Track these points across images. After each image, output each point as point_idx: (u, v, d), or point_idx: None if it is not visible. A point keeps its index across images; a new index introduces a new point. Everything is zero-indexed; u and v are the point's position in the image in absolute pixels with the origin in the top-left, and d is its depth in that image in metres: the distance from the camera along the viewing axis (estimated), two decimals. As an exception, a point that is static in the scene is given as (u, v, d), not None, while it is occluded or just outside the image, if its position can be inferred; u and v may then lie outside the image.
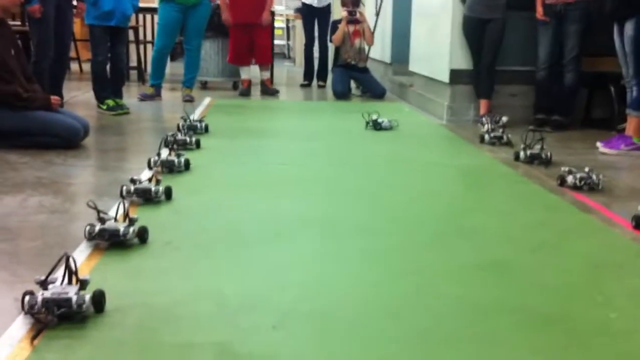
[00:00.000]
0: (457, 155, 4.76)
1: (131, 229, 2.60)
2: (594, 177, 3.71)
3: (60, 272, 2.04)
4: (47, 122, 4.35)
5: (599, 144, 4.90)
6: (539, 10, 5.61)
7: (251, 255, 2.57)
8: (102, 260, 2.46)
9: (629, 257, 2.71)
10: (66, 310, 1.94)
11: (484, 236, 2.91)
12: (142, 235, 2.64)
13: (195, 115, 5.53)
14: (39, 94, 4.48)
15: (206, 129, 5.04)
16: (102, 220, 2.59)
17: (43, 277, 1.99)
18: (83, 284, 2.03)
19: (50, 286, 1.99)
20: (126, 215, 2.65)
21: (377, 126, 5.46)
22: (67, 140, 4.36)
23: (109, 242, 2.58)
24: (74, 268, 2.03)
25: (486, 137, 5.02)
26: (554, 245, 2.80)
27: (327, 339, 1.92)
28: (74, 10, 5.77)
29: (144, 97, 7.02)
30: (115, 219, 2.63)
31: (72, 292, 1.96)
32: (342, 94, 7.80)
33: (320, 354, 1.84)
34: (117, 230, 2.56)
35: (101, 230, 2.56)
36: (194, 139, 4.53)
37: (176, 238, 2.72)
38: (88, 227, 2.58)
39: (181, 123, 4.89)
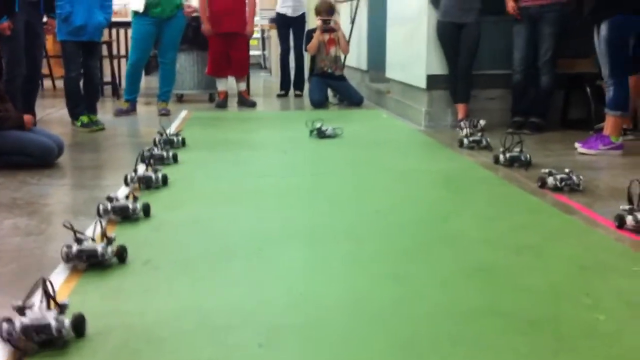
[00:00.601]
0: (436, 160, 4.75)
1: (109, 249, 2.53)
2: (574, 177, 3.71)
3: (37, 296, 1.98)
4: (20, 142, 4.27)
5: (577, 145, 4.92)
6: (510, 4, 5.63)
7: (233, 270, 2.52)
8: (81, 282, 2.40)
9: (614, 257, 2.70)
10: (46, 337, 1.88)
11: (467, 241, 2.89)
12: (121, 254, 2.58)
13: (171, 129, 5.49)
14: (11, 113, 4.39)
15: (183, 143, 4.98)
16: (79, 241, 2.52)
17: (20, 303, 1.92)
18: (62, 309, 1.95)
19: (27, 312, 1.91)
20: (104, 234, 2.59)
21: (321, 134, 5.42)
22: (41, 159, 4.29)
23: (87, 263, 2.51)
24: (51, 292, 1.97)
25: (465, 141, 5.01)
26: (538, 248, 2.78)
27: (314, 353, 1.88)
28: (45, 27, 5.68)
29: (120, 113, 6.93)
30: (93, 239, 2.56)
31: (50, 317, 1.89)
32: (319, 103, 7.77)
33: (308, 370, 1.80)
34: (95, 251, 2.49)
35: (78, 252, 2.50)
36: (171, 154, 4.47)
37: (156, 256, 2.67)
38: (65, 249, 2.52)
39: (157, 137, 4.82)
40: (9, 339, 1.87)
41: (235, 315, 2.12)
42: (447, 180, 4.16)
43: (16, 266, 2.57)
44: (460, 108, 5.89)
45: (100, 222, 2.67)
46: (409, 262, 2.63)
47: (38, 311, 1.92)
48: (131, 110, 7.04)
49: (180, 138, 4.97)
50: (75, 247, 2.50)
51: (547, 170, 3.81)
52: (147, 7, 6.74)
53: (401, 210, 3.41)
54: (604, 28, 4.73)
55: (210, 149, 5.07)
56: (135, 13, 6.88)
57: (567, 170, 3.77)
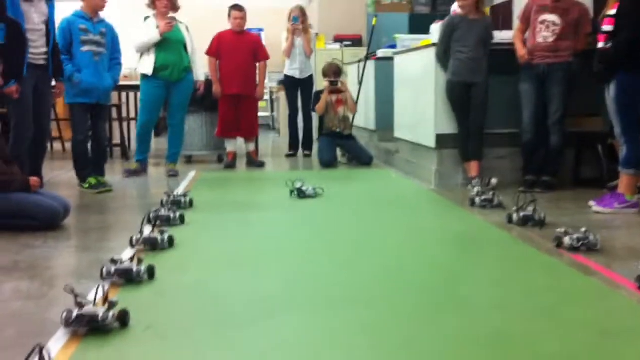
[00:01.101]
0: (447, 220, 4.66)
1: (110, 313, 2.45)
2: (592, 237, 3.61)
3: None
4: (25, 205, 4.22)
5: (592, 203, 4.83)
6: (520, 51, 5.62)
7: (238, 339, 2.41)
8: (80, 348, 2.30)
9: (637, 321, 2.57)
10: None
11: (479, 305, 2.77)
12: (123, 318, 2.49)
13: (179, 190, 5.44)
14: (17, 175, 4.36)
15: (190, 204, 4.92)
16: (80, 305, 2.45)
17: None
18: None
19: None
20: (105, 298, 2.51)
21: (301, 194, 5.35)
22: (46, 222, 4.22)
23: (88, 328, 2.42)
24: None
25: (477, 200, 4.93)
26: (556, 312, 2.66)
27: None
28: (53, 91, 5.70)
29: (129, 174, 6.92)
30: (94, 303, 2.48)
31: None
32: (328, 162, 7.74)
33: None
34: (96, 315, 2.42)
35: (78, 317, 2.42)
36: (177, 214, 4.41)
37: (159, 322, 2.57)
38: (65, 314, 2.45)
39: (164, 198, 4.76)
40: None
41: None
42: (458, 241, 4.06)
43: (15, 331, 2.48)
44: (473, 165, 5.82)
45: (102, 286, 2.60)
46: (418, 328, 2.51)
47: None
48: (141, 170, 7.03)
49: (187, 199, 4.92)
50: (75, 312, 2.43)
51: (563, 230, 3.71)
52: (156, 70, 6.79)
53: (410, 272, 3.30)
54: (612, 88, 4.71)
55: (217, 210, 5.00)
56: (144, 76, 6.91)
57: (583, 229, 3.67)
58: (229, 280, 3.16)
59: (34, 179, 4.42)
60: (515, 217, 4.31)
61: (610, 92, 4.70)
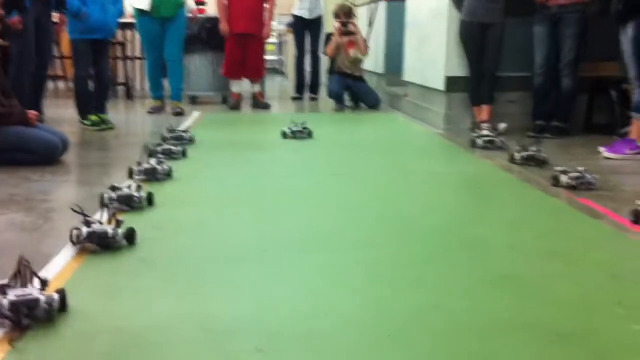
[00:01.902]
0: (455, 164, 4.55)
1: (119, 231, 2.52)
2: (589, 176, 3.62)
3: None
4: (23, 138, 4.13)
5: (602, 149, 4.71)
6: None
7: (237, 274, 2.34)
8: (73, 280, 2.23)
9: (647, 264, 2.50)
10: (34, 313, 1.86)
11: (491, 248, 2.69)
12: (131, 236, 2.56)
13: (182, 127, 5.36)
14: (16, 109, 4.26)
15: (192, 141, 4.81)
16: (88, 224, 2.51)
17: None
18: (44, 284, 1.98)
19: (9, 291, 1.90)
20: (112, 217, 2.59)
21: (293, 134, 5.25)
22: (44, 156, 4.14)
23: (98, 245, 2.48)
24: (30, 271, 1.97)
25: (478, 141, 4.84)
26: (567, 255, 2.58)
27: (320, 364, 1.70)
28: (55, 23, 5.56)
29: (154, 110, 7.05)
30: (101, 222, 2.55)
31: (35, 292, 1.90)
32: (338, 95, 7.68)
33: (313, 382, 1.62)
34: (106, 232, 2.49)
35: (89, 234, 2.49)
36: (180, 148, 4.40)
37: (154, 255, 2.50)
38: (75, 231, 2.51)
39: (166, 133, 4.64)
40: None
41: (235, 321, 1.94)
42: (468, 185, 3.97)
43: (6, 262, 2.40)
44: (485, 110, 5.68)
45: (108, 208, 2.72)
46: (428, 271, 2.43)
47: (22, 288, 1.92)
48: (162, 107, 7.16)
49: (189, 135, 4.80)
50: (85, 230, 2.49)
51: (560, 169, 3.72)
52: (152, 6, 6.72)
53: (420, 215, 3.21)
54: (631, 29, 4.54)
55: (220, 149, 4.91)
56: (139, 13, 6.83)
57: (580, 169, 3.67)
58: (230, 218, 3.08)
59: (32, 113, 4.32)
60: (517, 156, 4.31)
61: (628, 34, 4.53)
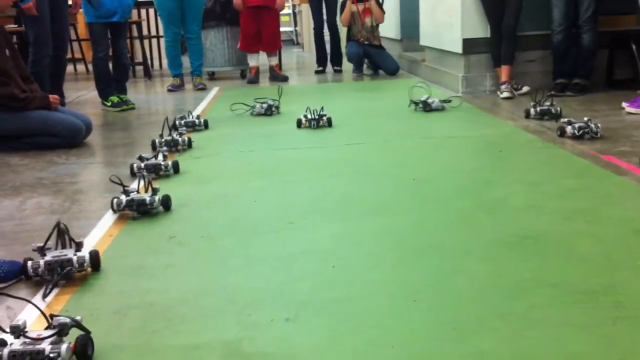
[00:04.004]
0: (475, 126, 4.53)
1: (156, 197, 2.72)
2: (593, 125, 3.78)
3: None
4: (47, 122, 4.20)
5: (624, 104, 4.66)
6: None
7: (262, 246, 2.38)
8: (103, 259, 2.28)
9: (671, 219, 2.49)
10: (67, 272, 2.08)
11: (512, 208, 2.70)
12: (166, 202, 2.78)
13: (202, 106, 5.38)
14: (37, 93, 4.32)
15: (206, 125, 4.71)
16: (127, 193, 2.73)
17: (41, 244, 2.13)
18: (79, 246, 2.15)
19: (48, 252, 2.13)
20: (149, 185, 2.78)
21: (426, 107, 5.03)
22: (68, 139, 4.21)
23: (137, 211, 2.71)
24: (66, 234, 2.18)
25: (532, 111, 4.56)
26: (589, 213, 2.59)
27: (345, 330, 1.73)
28: (70, 5, 5.59)
29: (174, 88, 7.12)
30: (138, 191, 2.79)
31: (70, 253, 2.11)
32: (357, 56, 7.69)
33: (339, 347, 1.65)
34: (144, 199, 2.70)
35: (129, 201, 2.70)
36: (202, 120, 4.65)
37: (181, 232, 2.55)
38: (115, 200, 2.72)
39: (177, 122, 4.56)
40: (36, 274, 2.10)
41: (263, 291, 1.99)
42: (488, 147, 3.96)
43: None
44: (504, 70, 5.61)
45: (143, 176, 2.94)
46: (449, 233, 2.45)
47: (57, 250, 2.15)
48: (181, 85, 7.22)
49: (202, 120, 4.72)
50: (124, 198, 2.70)
51: (566, 120, 3.92)
52: None
53: (440, 178, 3.23)
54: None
55: (240, 123, 4.93)
56: None
57: (585, 118, 3.85)
58: (253, 191, 3.11)
59: (53, 97, 4.38)
60: (532, 111, 4.48)
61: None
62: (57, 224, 2.17)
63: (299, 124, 4.54)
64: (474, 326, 1.73)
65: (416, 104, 5.09)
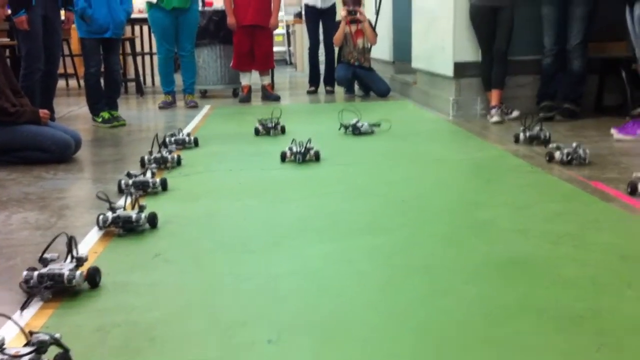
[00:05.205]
0: (465, 149, 4.55)
1: (142, 215, 2.71)
2: (581, 151, 3.81)
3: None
4: (36, 136, 4.18)
5: (613, 131, 4.69)
6: None
7: (248, 265, 2.37)
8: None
9: (657, 245, 2.49)
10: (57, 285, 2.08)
11: (499, 231, 2.71)
12: (153, 220, 2.76)
13: (193, 123, 5.38)
14: (27, 107, 4.31)
15: (196, 143, 4.69)
16: (113, 209, 2.71)
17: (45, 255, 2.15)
18: (79, 262, 2.16)
19: (50, 264, 2.13)
20: (136, 202, 2.79)
21: (355, 131, 5.04)
22: (58, 154, 4.20)
23: (122, 228, 2.70)
24: (73, 246, 2.18)
25: (521, 136, 4.55)
26: (575, 237, 2.59)
27: (328, 352, 1.72)
28: (63, 20, 5.60)
29: (165, 105, 7.14)
30: (124, 208, 2.77)
31: (66, 267, 2.10)
32: (345, 79, 7.73)
33: (323, 370, 1.64)
34: (130, 217, 2.69)
35: (115, 218, 2.69)
36: (192, 138, 4.60)
37: (167, 249, 2.53)
38: (101, 216, 2.71)
39: (167, 139, 4.56)
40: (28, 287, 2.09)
41: (247, 311, 1.97)
42: (477, 169, 3.97)
43: (20, 261, 2.45)
44: (495, 94, 5.65)
45: (131, 193, 2.91)
46: (437, 254, 2.45)
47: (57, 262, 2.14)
48: (172, 102, 7.25)
49: (192, 138, 4.70)
50: (110, 214, 2.70)
51: (555, 145, 3.95)
52: None
53: (429, 199, 3.23)
54: (638, 7, 4.50)
55: (230, 141, 4.93)
56: (150, 5, 6.92)
57: (574, 144, 3.86)
58: (241, 209, 3.11)
59: (43, 111, 4.36)
60: (521, 136, 4.50)
61: (636, 12, 4.50)
62: (70, 238, 2.17)
63: (283, 157, 4.10)
64: (458, 350, 1.72)
65: (346, 127, 5.08)
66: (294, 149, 4.07)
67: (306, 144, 4.09)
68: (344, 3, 7.84)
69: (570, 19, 5.34)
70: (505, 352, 1.70)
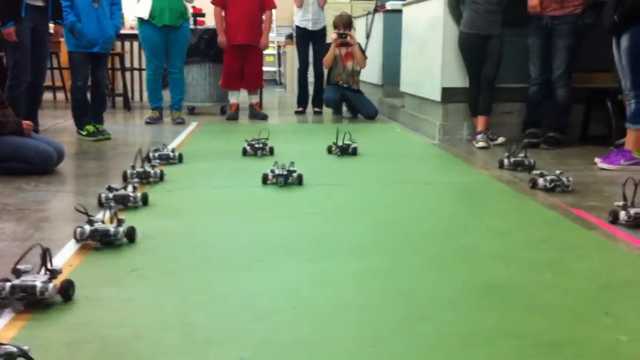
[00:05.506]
0: (450, 173, 4.55)
1: (120, 229, 2.68)
2: (564, 179, 3.82)
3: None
4: (18, 148, 4.14)
5: (597, 160, 4.71)
6: (533, 1, 5.37)
7: (226, 283, 2.34)
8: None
9: (636, 274, 2.49)
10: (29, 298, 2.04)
11: (480, 256, 2.70)
12: (131, 235, 2.72)
13: (180, 139, 5.35)
14: (10, 118, 4.27)
15: (180, 159, 4.66)
16: (91, 223, 2.68)
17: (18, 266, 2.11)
18: (53, 274, 2.13)
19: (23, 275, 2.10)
20: (114, 216, 2.75)
21: (344, 151, 5.05)
22: (40, 166, 4.16)
23: (100, 242, 2.66)
24: (47, 258, 2.15)
25: (505, 161, 4.56)
26: (556, 264, 2.58)
27: (303, 373, 1.69)
28: (51, 33, 5.59)
29: (152, 121, 7.09)
30: (103, 221, 2.73)
31: (39, 280, 2.06)
32: (333, 101, 7.75)
33: (295, 391, 1.61)
34: (108, 231, 2.66)
35: (92, 231, 2.66)
36: (176, 153, 4.57)
37: (145, 264, 2.50)
38: (79, 229, 2.67)
39: (151, 154, 4.53)
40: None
41: (222, 329, 1.94)
42: (461, 194, 3.97)
43: (-6, 272, 2.41)
44: (481, 120, 5.67)
45: (110, 207, 2.89)
46: (417, 278, 2.43)
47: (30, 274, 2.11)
48: (159, 117, 7.20)
49: (177, 153, 4.66)
50: (88, 227, 2.66)
51: (538, 172, 3.95)
52: (152, 14, 6.80)
53: (411, 223, 3.22)
54: (625, 39, 4.55)
55: (215, 159, 4.91)
56: (141, 22, 6.92)
57: (557, 171, 3.89)
58: (222, 227, 3.09)
59: (26, 123, 4.33)
60: (506, 162, 4.52)
61: (622, 44, 4.54)
62: (44, 250, 2.14)
63: (265, 180, 3.96)
64: (433, 374, 1.70)
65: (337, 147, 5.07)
66: (276, 171, 3.94)
67: (289, 166, 3.99)
68: (335, 26, 7.87)
69: (554, 50, 5.38)
70: (481, 377, 1.68)
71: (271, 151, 4.99)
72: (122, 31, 7.35)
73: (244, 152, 4.95)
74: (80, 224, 2.72)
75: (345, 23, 7.85)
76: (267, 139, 5.04)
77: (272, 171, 3.96)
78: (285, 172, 3.92)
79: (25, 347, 1.60)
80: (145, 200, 3.39)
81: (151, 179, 3.91)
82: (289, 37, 12.26)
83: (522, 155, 4.51)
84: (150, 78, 7.17)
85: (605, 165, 4.62)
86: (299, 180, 3.95)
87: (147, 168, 3.96)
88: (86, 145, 5.53)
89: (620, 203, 3.13)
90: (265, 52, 8.10)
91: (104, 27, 5.83)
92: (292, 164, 4.04)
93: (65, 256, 2.58)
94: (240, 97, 7.79)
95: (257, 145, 4.96)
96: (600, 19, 4.88)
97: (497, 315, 2.09)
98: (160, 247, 2.74)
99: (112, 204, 3.14)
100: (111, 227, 2.67)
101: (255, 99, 7.87)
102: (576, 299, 2.23)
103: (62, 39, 5.96)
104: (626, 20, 4.53)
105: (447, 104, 5.91)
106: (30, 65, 5.22)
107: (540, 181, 3.85)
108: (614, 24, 4.62)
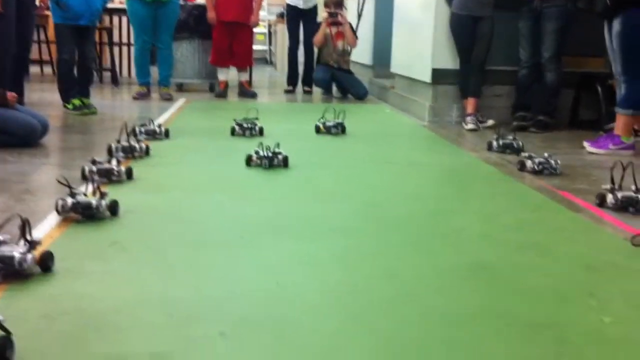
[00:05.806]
0: (438, 155, 4.53)
1: (103, 202, 2.65)
2: (552, 161, 3.81)
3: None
4: (2, 119, 4.08)
5: (586, 144, 4.71)
6: None
7: (208, 260, 2.31)
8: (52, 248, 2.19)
9: (622, 257, 2.48)
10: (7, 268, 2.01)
11: (466, 237, 2.67)
12: (113, 208, 2.69)
13: (167, 115, 5.30)
14: (-6, 89, 4.21)
15: (166, 134, 4.60)
16: (73, 195, 2.64)
17: None
18: (32, 245, 2.07)
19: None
20: (97, 189, 2.71)
21: (327, 129, 5.03)
22: (23, 138, 4.10)
23: (82, 215, 2.63)
24: (26, 229, 2.09)
25: (494, 144, 4.55)
26: (542, 246, 2.57)
27: (284, 350, 1.67)
28: (37, 6, 5.50)
29: (139, 96, 7.02)
30: (85, 194, 2.69)
31: (17, 250, 2.03)
32: (324, 81, 7.69)
33: (275, 367, 1.59)
34: (90, 203, 2.63)
35: (74, 204, 2.62)
36: (163, 129, 4.50)
37: (126, 238, 2.46)
38: (60, 202, 2.63)
39: (138, 129, 4.45)
40: None
41: (202, 305, 1.91)
42: (449, 176, 3.95)
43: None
44: (470, 102, 5.65)
45: (92, 180, 2.82)
46: (403, 259, 2.40)
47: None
48: (147, 93, 7.13)
49: (163, 129, 4.61)
50: (70, 200, 2.62)
51: (527, 154, 3.94)
52: None
53: (398, 204, 3.19)
54: (617, 23, 4.53)
55: (202, 136, 4.86)
56: None
57: (546, 154, 3.87)
58: (207, 204, 3.04)
59: (11, 94, 4.26)
60: (495, 144, 4.49)
61: (614, 28, 4.52)
62: (24, 220, 2.09)
63: (249, 161, 3.79)
64: (415, 352, 1.68)
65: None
66: (261, 153, 3.77)
67: (274, 148, 3.82)
68: (326, 5, 7.81)
69: (543, 33, 5.37)
70: (463, 355, 1.67)
71: (261, 132, 4.85)
72: (111, 5, 7.28)
73: (233, 132, 4.85)
74: (62, 196, 2.68)
75: (336, 2, 7.79)
76: (256, 118, 4.95)
77: (257, 152, 3.79)
78: (270, 154, 3.77)
79: (0, 317, 1.56)
80: (129, 174, 3.35)
81: (136, 154, 3.87)
82: (280, 15, 12.17)
83: (510, 137, 4.49)
84: (138, 53, 7.10)
85: (593, 149, 4.61)
86: (285, 162, 3.79)
87: (133, 143, 3.91)
88: (72, 119, 5.47)
89: (608, 186, 3.12)
90: (255, 30, 8.04)
91: (91, 0, 5.74)
92: (277, 145, 3.86)
93: (46, 228, 2.54)
94: (229, 75, 7.72)
95: (246, 126, 4.85)
96: (593, 3, 4.85)
97: (482, 296, 2.07)
98: (142, 221, 2.70)
99: (96, 177, 3.09)
100: (93, 200, 2.64)
101: (244, 77, 7.81)
102: (561, 280, 2.22)
103: (48, 12, 5.87)
104: (618, 4, 4.50)
105: (437, 86, 5.88)
106: (14, 37, 5.13)
107: (529, 163, 3.84)
108: (606, 7, 4.59)
